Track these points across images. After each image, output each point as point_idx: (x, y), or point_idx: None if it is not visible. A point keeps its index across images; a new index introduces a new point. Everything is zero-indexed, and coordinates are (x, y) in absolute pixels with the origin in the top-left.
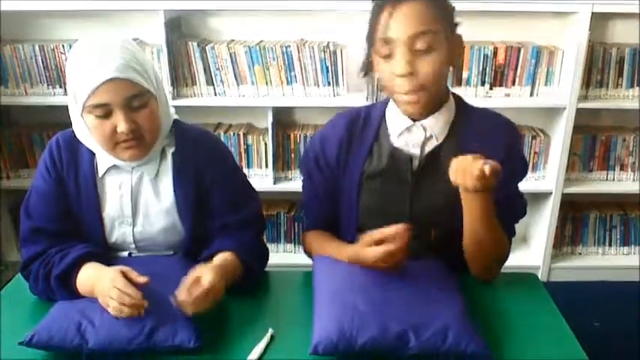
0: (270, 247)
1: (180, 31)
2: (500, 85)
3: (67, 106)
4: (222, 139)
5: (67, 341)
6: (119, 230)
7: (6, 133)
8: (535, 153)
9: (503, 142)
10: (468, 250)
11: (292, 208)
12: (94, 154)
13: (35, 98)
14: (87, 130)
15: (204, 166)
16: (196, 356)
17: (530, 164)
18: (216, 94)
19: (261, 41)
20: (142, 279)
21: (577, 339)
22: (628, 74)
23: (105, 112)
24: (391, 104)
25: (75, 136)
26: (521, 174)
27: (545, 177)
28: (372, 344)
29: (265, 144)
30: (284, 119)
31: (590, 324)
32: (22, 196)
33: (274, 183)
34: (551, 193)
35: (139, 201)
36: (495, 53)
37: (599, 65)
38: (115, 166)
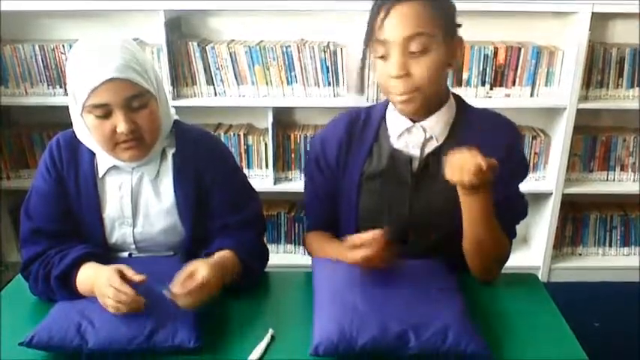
0: (271, 247)
1: (181, 31)
2: (501, 86)
3: (67, 107)
4: (223, 139)
5: (67, 342)
6: (119, 231)
7: (6, 133)
8: (535, 153)
9: (504, 142)
10: (468, 251)
11: (292, 208)
12: (95, 154)
13: (35, 98)
14: (87, 131)
15: (204, 166)
16: (196, 356)
17: (531, 164)
18: (216, 94)
19: (262, 41)
20: (138, 277)
21: (577, 339)
22: (628, 74)
23: (105, 112)
24: (391, 105)
25: (75, 137)
26: (522, 175)
27: (546, 177)
28: (372, 344)
29: (265, 144)
30: (284, 119)
31: (590, 324)
32: (23, 197)
33: (274, 183)
34: (551, 193)
35: (139, 202)
36: (495, 53)
37: (600, 65)
38: (115, 167)
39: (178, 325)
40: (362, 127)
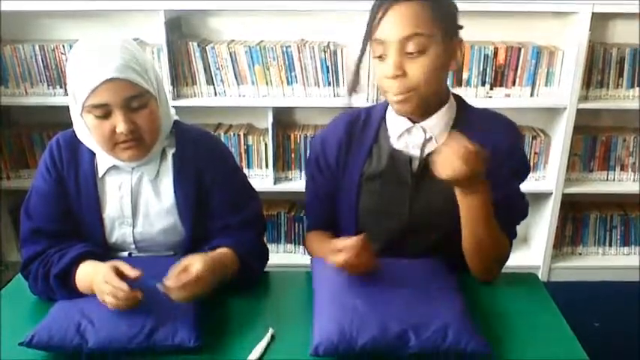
0: (271, 247)
1: (181, 31)
2: (501, 86)
3: (67, 107)
4: (223, 139)
5: (67, 341)
6: (119, 231)
7: (6, 133)
8: (535, 153)
9: (505, 142)
10: (467, 251)
11: (292, 208)
12: (95, 154)
13: (35, 98)
14: (87, 130)
15: (204, 166)
16: (196, 355)
17: (531, 164)
18: (216, 94)
19: (262, 41)
20: (134, 273)
21: (577, 339)
22: (628, 74)
23: (104, 112)
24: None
25: (75, 136)
26: (523, 174)
27: (546, 177)
28: (372, 344)
29: (265, 144)
30: (284, 119)
31: (590, 324)
32: (23, 197)
33: (274, 183)
34: (551, 193)
35: (139, 201)
36: (496, 53)
37: (600, 65)
38: (115, 167)
39: (178, 324)
40: (362, 127)
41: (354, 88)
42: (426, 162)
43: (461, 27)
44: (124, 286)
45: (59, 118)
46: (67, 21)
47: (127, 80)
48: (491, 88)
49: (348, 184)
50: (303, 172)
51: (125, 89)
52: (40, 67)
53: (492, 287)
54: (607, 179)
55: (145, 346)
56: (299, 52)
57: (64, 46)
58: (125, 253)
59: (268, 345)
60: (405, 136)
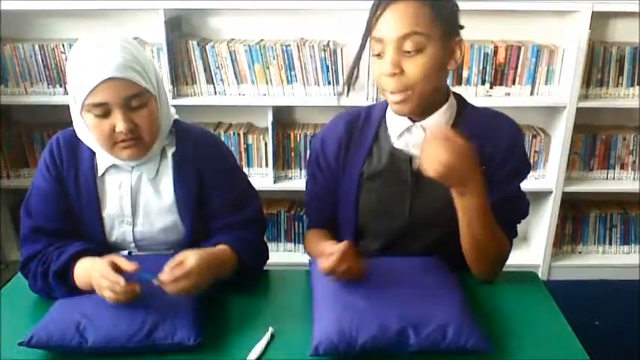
0: (271, 246)
1: (181, 30)
2: (501, 84)
3: (67, 105)
4: (223, 138)
5: (66, 340)
6: (119, 229)
7: (6, 132)
8: (535, 152)
9: (505, 141)
10: (466, 251)
11: (292, 207)
12: (95, 153)
13: (35, 97)
14: (87, 129)
15: (204, 165)
16: (196, 354)
17: (531, 163)
18: (216, 93)
19: (261, 40)
20: (130, 266)
21: (577, 337)
22: (628, 73)
23: (103, 111)
24: None
25: (75, 135)
26: (524, 173)
27: (546, 176)
28: (372, 343)
29: (265, 143)
30: (284, 118)
31: (590, 322)
32: (23, 196)
33: (274, 182)
34: (551, 192)
35: (138, 200)
36: (495, 52)
37: (600, 64)
38: (114, 166)
39: (178, 323)
40: (362, 126)
41: (350, 84)
42: None
43: (462, 27)
44: (121, 280)
45: (59, 117)
46: (66, 20)
47: (126, 79)
48: (491, 87)
49: (348, 183)
50: (303, 171)
51: (125, 88)
52: (40, 66)
53: (492, 286)
54: (607, 178)
55: (145, 345)
56: (299, 51)
57: (63, 45)
58: (125, 252)
59: (268, 344)
60: (406, 135)
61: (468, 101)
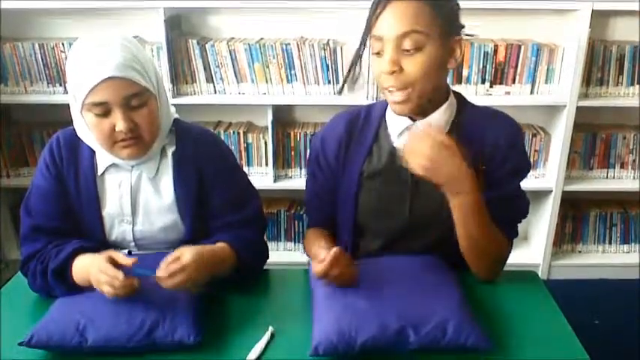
0: (271, 245)
1: (180, 28)
2: (501, 83)
3: (67, 104)
4: (223, 137)
5: (66, 340)
6: (119, 228)
7: (6, 131)
8: (535, 151)
9: (505, 140)
10: (464, 249)
11: (292, 206)
12: (94, 152)
13: (35, 96)
14: (87, 128)
15: (204, 164)
16: (196, 353)
17: (531, 162)
18: (216, 92)
19: (261, 39)
20: (127, 261)
21: (577, 337)
22: (628, 72)
23: (103, 110)
24: None
25: (75, 134)
26: (524, 172)
27: (546, 175)
28: (372, 342)
29: (265, 142)
30: (284, 117)
31: (590, 322)
32: (23, 195)
33: (274, 181)
34: (551, 191)
35: (138, 199)
36: (495, 51)
37: (600, 63)
38: (114, 165)
39: (178, 322)
40: (362, 125)
41: (345, 81)
42: None
43: (463, 26)
44: (120, 274)
45: (59, 116)
46: (66, 19)
47: (126, 79)
48: (491, 86)
49: (348, 183)
50: (303, 170)
51: (125, 88)
52: (40, 65)
53: (492, 285)
54: (607, 177)
55: (145, 344)
56: (299, 50)
57: (63, 44)
58: (125, 251)
59: (268, 343)
60: (406, 135)
61: (468, 100)
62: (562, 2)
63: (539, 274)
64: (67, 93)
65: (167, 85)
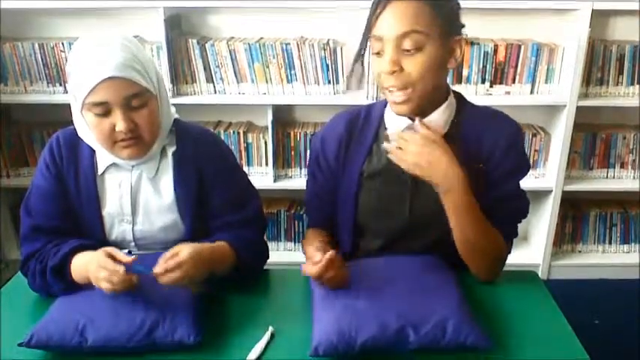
0: (271, 245)
1: (180, 28)
2: (501, 83)
3: (67, 104)
4: (223, 137)
5: (66, 340)
6: (119, 228)
7: (6, 131)
8: (535, 151)
9: (504, 140)
10: (460, 249)
11: (292, 206)
12: (95, 151)
13: (35, 96)
14: (87, 128)
15: (204, 164)
16: (196, 352)
17: (531, 162)
18: (215, 92)
19: (261, 38)
20: (126, 258)
21: (577, 337)
22: (628, 72)
23: (104, 110)
24: None
25: (75, 134)
26: (522, 172)
27: (546, 175)
28: (372, 342)
29: (265, 142)
30: (284, 117)
31: (590, 322)
32: (23, 195)
33: (274, 181)
34: (551, 191)
35: (138, 199)
36: (495, 51)
37: (600, 63)
38: (114, 164)
39: (178, 322)
40: (362, 125)
41: (354, 80)
42: None
43: (463, 25)
44: (120, 268)
45: (59, 115)
46: (66, 19)
47: (126, 79)
48: (491, 86)
49: (348, 182)
50: (303, 170)
51: (125, 88)
52: (40, 64)
53: (492, 285)
54: (607, 177)
55: (145, 344)
56: (299, 50)
57: (63, 44)
58: (125, 251)
59: (268, 343)
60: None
61: (468, 100)
62: (562, 2)
63: (539, 274)
64: (67, 93)
65: (167, 85)
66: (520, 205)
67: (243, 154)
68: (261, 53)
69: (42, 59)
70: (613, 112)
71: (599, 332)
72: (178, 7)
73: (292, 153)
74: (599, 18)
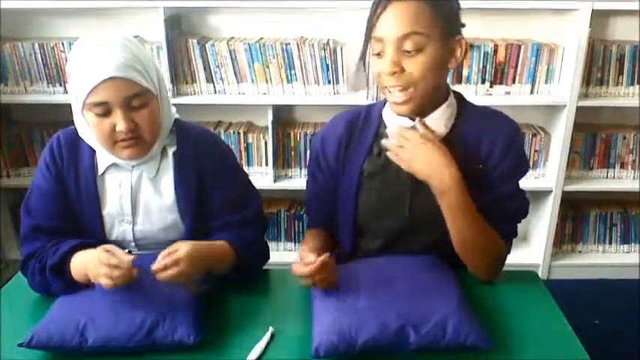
0: (271, 245)
1: (180, 28)
2: (501, 83)
3: (67, 104)
4: (223, 137)
5: (66, 340)
6: (119, 228)
7: (6, 131)
8: (535, 151)
9: (503, 140)
10: (457, 249)
11: (292, 206)
12: (95, 151)
13: (35, 96)
14: (88, 128)
15: (205, 164)
16: (196, 352)
17: (531, 162)
18: (216, 92)
19: (261, 39)
20: (126, 257)
21: (577, 337)
22: (628, 72)
23: (104, 110)
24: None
25: (76, 134)
26: (522, 173)
27: (546, 175)
28: (372, 343)
29: (265, 142)
30: (284, 117)
31: (590, 322)
32: (23, 195)
33: (274, 181)
34: (551, 191)
35: (138, 199)
36: (495, 51)
37: (600, 63)
38: (115, 164)
39: (178, 322)
40: (362, 125)
41: (358, 86)
42: None
43: (463, 25)
44: (119, 260)
45: (59, 115)
46: (66, 19)
47: (127, 79)
48: (491, 86)
49: (348, 182)
50: (303, 170)
51: (125, 88)
52: (40, 64)
53: (492, 285)
54: (607, 177)
55: (145, 344)
56: (299, 50)
57: (63, 44)
58: (125, 251)
59: (268, 343)
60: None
61: (468, 100)
62: (562, 2)
63: (539, 274)
64: (67, 93)
65: (167, 85)
66: (519, 205)
67: (243, 154)
68: (261, 53)
69: (42, 59)
70: (613, 112)
71: (599, 332)
72: (178, 7)
73: (292, 153)
74: (599, 18)
